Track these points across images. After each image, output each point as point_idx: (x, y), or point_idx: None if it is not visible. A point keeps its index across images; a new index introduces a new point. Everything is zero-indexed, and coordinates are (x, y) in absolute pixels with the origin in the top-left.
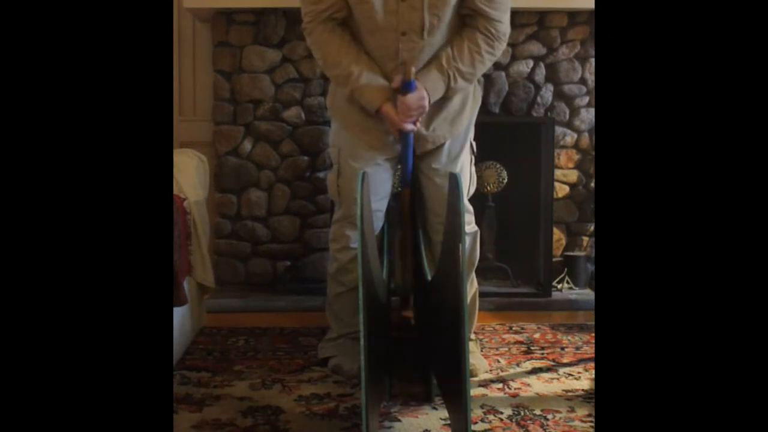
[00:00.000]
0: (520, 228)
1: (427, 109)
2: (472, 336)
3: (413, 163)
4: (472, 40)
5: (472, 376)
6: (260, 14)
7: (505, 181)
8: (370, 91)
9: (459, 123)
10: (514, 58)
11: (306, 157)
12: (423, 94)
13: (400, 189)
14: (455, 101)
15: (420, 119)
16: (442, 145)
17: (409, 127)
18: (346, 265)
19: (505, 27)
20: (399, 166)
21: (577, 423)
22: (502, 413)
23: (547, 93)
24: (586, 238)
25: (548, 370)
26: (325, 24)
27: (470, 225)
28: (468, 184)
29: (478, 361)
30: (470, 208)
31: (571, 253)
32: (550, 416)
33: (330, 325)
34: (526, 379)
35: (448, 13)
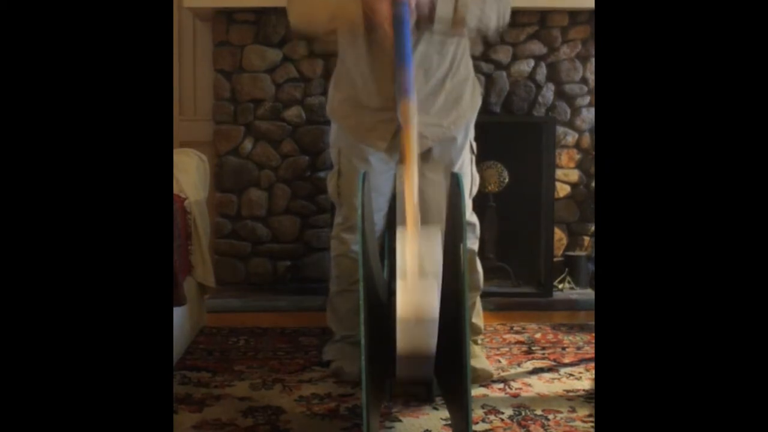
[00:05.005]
0: (521, 228)
1: None
2: (479, 340)
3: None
4: None
5: (476, 382)
6: (260, 14)
7: (506, 180)
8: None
9: (457, 117)
10: (515, 57)
11: (306, 157)
12: None
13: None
14: (449, 94)
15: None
16: (439, 143)
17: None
18: (347, 269)
19: None
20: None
21: (578, 423)
22: (503, 413)
23: (548, 92)
24: (587, 238)
25: (549, 370)
26: None
27: (469, 240)
28: (470, 185)
29: (483, 365)
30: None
31: (572, 253)
32: (551, 416)
33: (331, 328)
34: (527, 379)
35: None
